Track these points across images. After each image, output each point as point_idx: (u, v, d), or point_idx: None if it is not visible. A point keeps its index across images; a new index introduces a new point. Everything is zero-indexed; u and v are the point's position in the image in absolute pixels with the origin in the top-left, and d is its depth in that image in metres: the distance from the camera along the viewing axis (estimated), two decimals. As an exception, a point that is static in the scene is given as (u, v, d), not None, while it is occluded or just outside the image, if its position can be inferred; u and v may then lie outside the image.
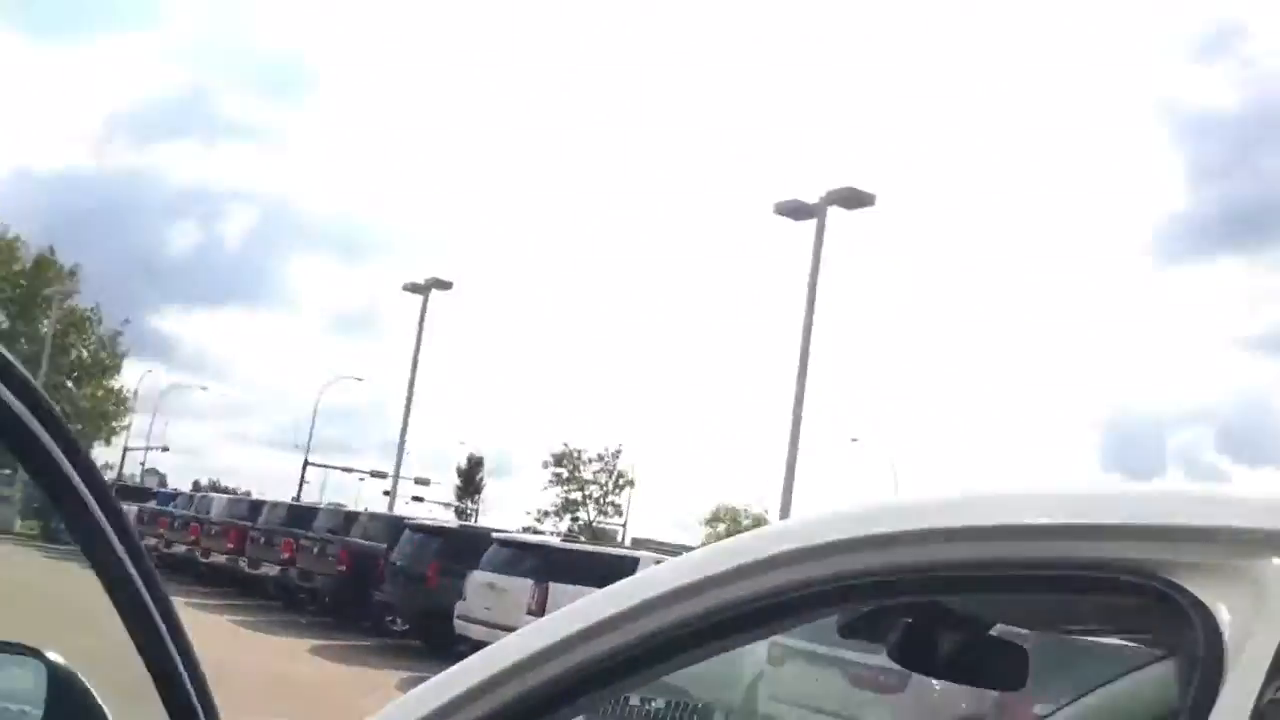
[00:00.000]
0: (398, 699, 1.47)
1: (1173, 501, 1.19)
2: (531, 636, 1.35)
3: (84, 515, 1.40)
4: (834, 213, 24.15)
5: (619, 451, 65.36)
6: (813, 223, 24.18)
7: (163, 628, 1.48)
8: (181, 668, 1.51)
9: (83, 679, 1.51)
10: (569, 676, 1.32)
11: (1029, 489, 1.27)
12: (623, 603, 1.32)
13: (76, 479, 1.39)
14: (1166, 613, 1.10)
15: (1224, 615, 1.05)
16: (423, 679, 1.40)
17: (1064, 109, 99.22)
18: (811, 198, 24.31)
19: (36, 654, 1.53)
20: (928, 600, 1.39)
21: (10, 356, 1.31)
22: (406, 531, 20.83)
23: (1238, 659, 1.02)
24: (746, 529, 2.06)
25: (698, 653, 1.36)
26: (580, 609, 1.35)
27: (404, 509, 39.39)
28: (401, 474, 39.79)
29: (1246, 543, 1.09)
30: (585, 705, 1.39)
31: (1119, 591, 1.15)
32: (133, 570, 1.44)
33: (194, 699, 1.52)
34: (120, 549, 1.43)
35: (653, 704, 3.61)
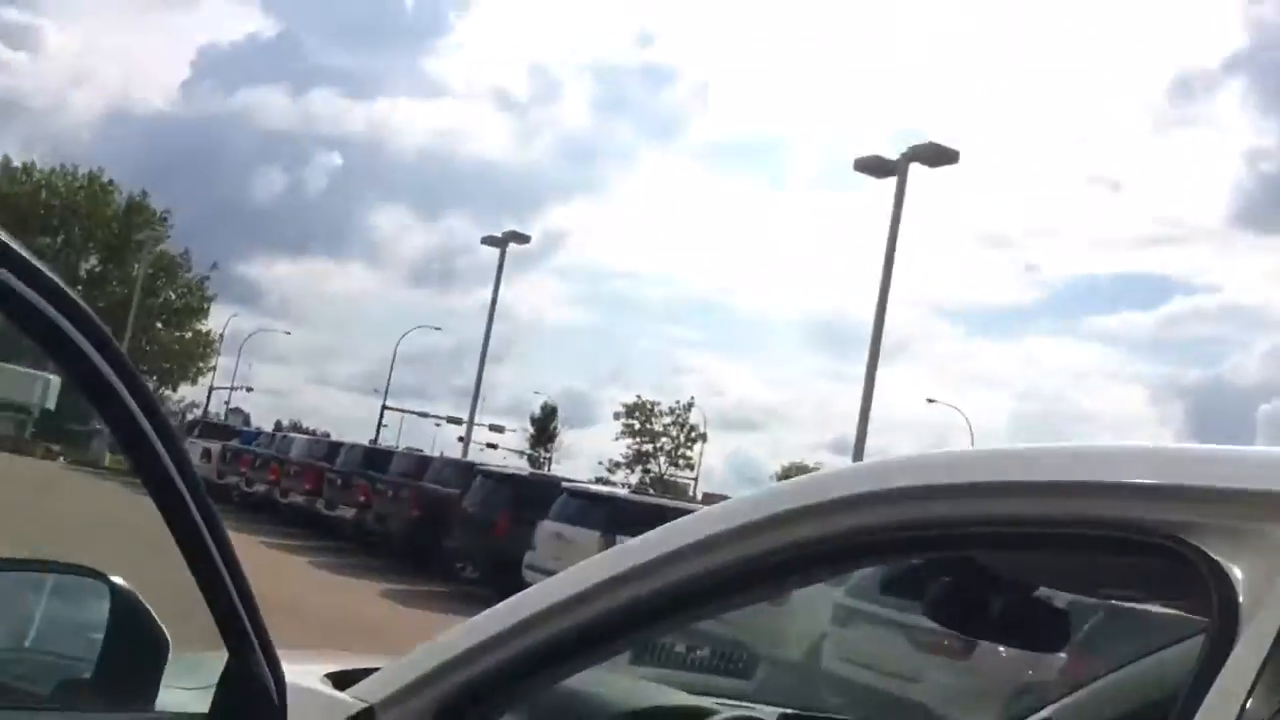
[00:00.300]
0: (462, 623, 1.50)
1: (1192, 462, 1.18)
2: (602, 564, 1.36)
3: (144, 448, 1.45)
4: (915, 170, 23.82)
5: (690, 404, 65.50)
6: (893, 180, 23.87)
7: (217, 555, 1.53)
8: (235, 594, 1.57)
9: (143, 601, 1.57)
10: (627, 610, 1.32)
11: (1048, 446, 1.25)
12: (682, 540, 1.31)
13: (144, 419, 1.43)
14: (1187, 575, 1.10)
15: (1239, 576, 1.05)
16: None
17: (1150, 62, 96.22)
18: (892, 154, 24.01)
19: (100, 576, 1.59)
20: (963, 558, 1.38)
21: (57, 278, 1.31)
22: (479, 478, 21.03)
23: (1251, 620, 1.02)
24: None
25: (755, 593, 1.36)
26: (639, 546, 1.35)
27: (478, 455, 39.87)
28: (477, 421, 40.36)
29: (1265, 505, 1.08)
30: (648, 637, 1.38)
31: (1137, 552, 1.14)
32: (190, 499, 1.49)
33: (247, 624, 1.58)
34: (178, 479, 1.48)
35: (698, 653, 3.61)
